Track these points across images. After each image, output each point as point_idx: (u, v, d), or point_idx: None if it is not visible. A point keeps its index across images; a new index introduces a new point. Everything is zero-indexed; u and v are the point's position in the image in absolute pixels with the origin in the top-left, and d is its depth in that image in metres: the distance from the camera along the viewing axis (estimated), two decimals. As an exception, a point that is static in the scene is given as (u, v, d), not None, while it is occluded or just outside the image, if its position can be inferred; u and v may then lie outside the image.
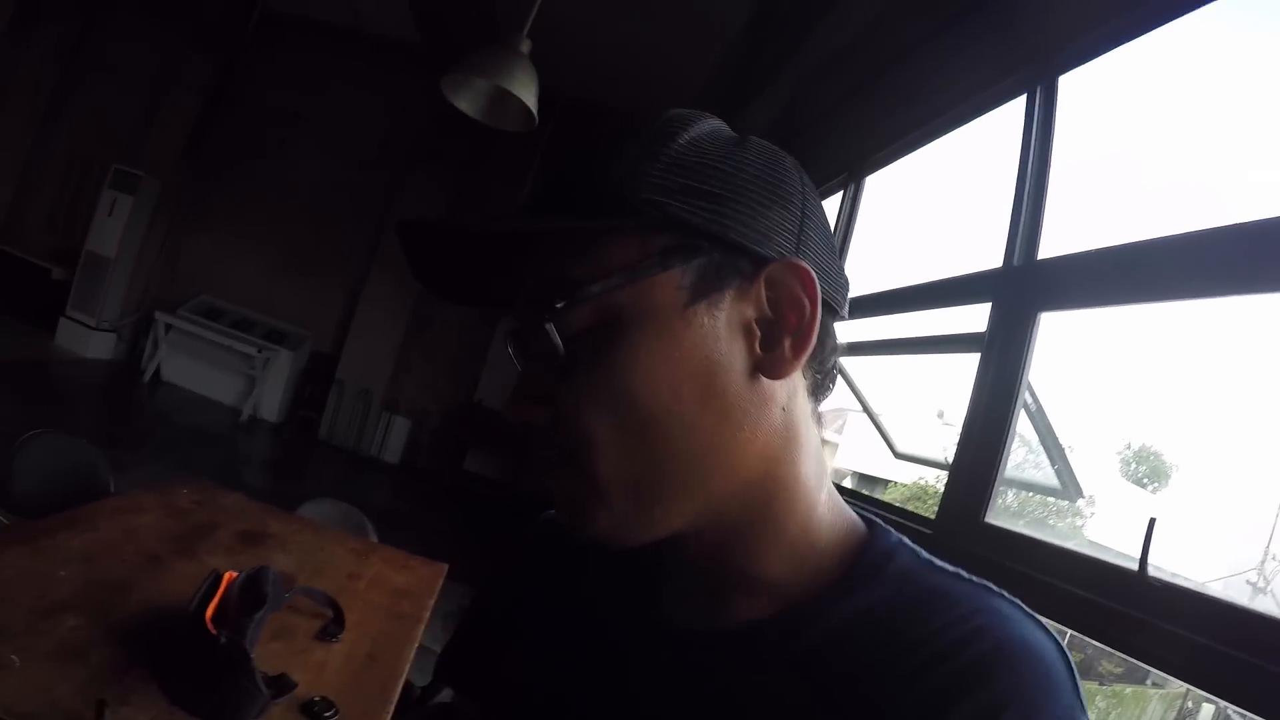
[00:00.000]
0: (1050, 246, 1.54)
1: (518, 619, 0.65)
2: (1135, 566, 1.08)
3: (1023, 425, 1.70)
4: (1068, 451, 1.83)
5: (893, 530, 0.50)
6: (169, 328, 8.12)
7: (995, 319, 1.61)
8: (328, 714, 1.39)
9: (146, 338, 8.27)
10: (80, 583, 1.63)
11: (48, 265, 8.47)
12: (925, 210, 2.86)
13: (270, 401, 8.19)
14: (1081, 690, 0.40)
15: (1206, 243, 1.10)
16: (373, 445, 8.29)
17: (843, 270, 0.51)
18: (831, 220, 1.82)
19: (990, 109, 1.97)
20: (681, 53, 5.90)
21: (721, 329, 0.44)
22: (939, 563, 0.47)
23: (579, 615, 0.60)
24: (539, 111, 3.10)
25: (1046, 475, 1.84)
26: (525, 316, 0.49)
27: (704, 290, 0.43)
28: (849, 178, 2.79)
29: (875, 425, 2.83)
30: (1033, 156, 1.65)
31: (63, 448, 2.44)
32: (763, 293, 0.45)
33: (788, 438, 0.47)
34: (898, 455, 2.65)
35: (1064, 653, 0.40)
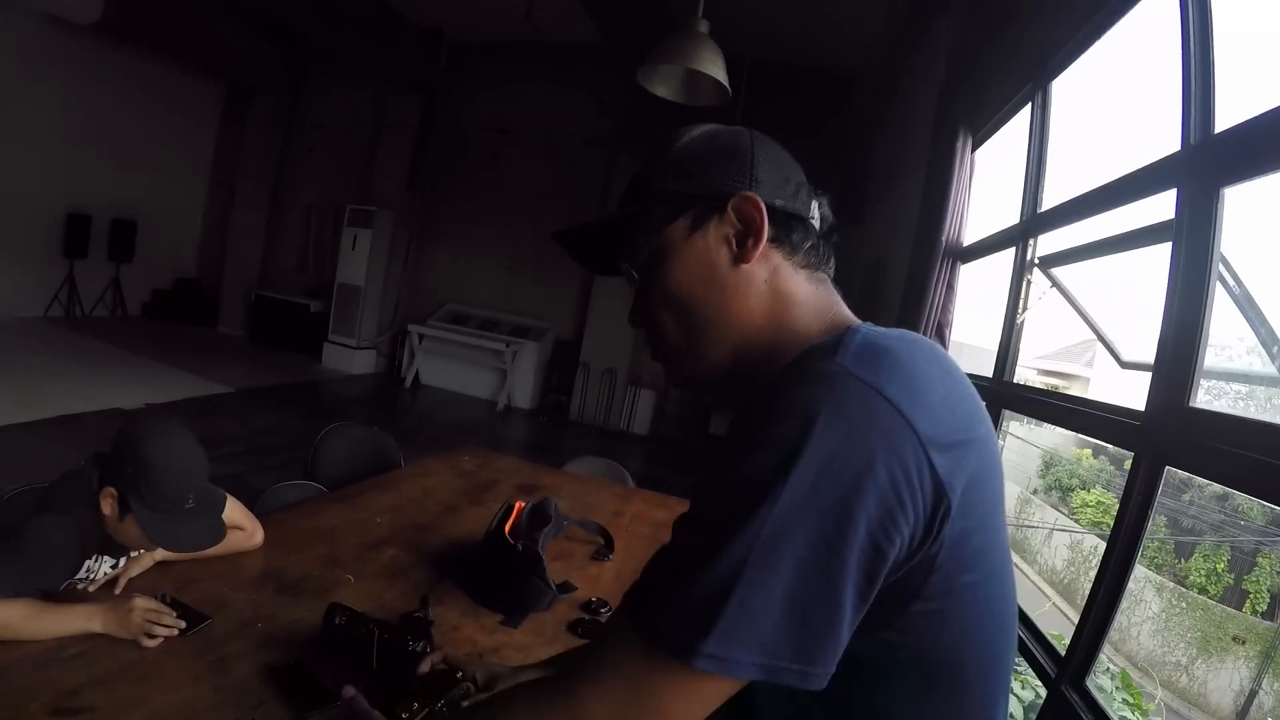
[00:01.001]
0: (1229, 116, 1.50)
1: None
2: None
3: (1233, 313, 1.67)
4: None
5: (859, 324, 0.71)
6: (421, 337, 9.13)
7: (1181, 203, 1.59)
8: (603, 609, 1.73)
9: (403, 349, 9.31)
10: (393, 526, 2.07)
11: (306, 301, 9.92)
12: (1111, 105, 2.73)
13: (522, 390, 8.97)
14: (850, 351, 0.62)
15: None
16: (621, 419, 8.88)
17: (801, 188, 0.81)
18: (1023, 133, 1.88)
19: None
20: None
21: (711, 243, 0.77)
22: (879, 329, 0.69)
23: None
24: (729, 80, 3.31)
25: (1266, 366, 1.76)
26: (623, 270, 0.84)
27: (697, 225, 0.78)
28: (1034, 87, 2.72)
29: (1099, 336, 2.76)
30: (1193, 23, 1.60)
31: (357, 435, 2.85)
32: (732, 216, 0.77)
33: (775, 299, 0.78)
34: (1124, 364, 2.57)
35: (928, 360, 0.65)
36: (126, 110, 10.01)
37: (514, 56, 8.96)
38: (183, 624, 1.34)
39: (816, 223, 0.82)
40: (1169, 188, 1.66)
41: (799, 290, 0.79)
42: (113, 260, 10.17)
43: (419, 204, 9.75)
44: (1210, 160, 1.50)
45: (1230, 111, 1.48)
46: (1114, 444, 1.80)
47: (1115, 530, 1.59)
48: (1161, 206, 1.71)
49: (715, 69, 3.23)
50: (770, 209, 0.76)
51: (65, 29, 8.28)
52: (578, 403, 9.06)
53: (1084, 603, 1.66)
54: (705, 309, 0.77)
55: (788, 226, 0.78)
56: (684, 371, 0.82)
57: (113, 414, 5.59)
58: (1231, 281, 1.58)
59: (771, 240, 0.77)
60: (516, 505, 1.95)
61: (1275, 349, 1.69)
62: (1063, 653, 1.75)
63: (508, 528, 1.84)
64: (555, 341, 9.36)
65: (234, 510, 1.65)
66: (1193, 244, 1.53)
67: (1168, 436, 1.50)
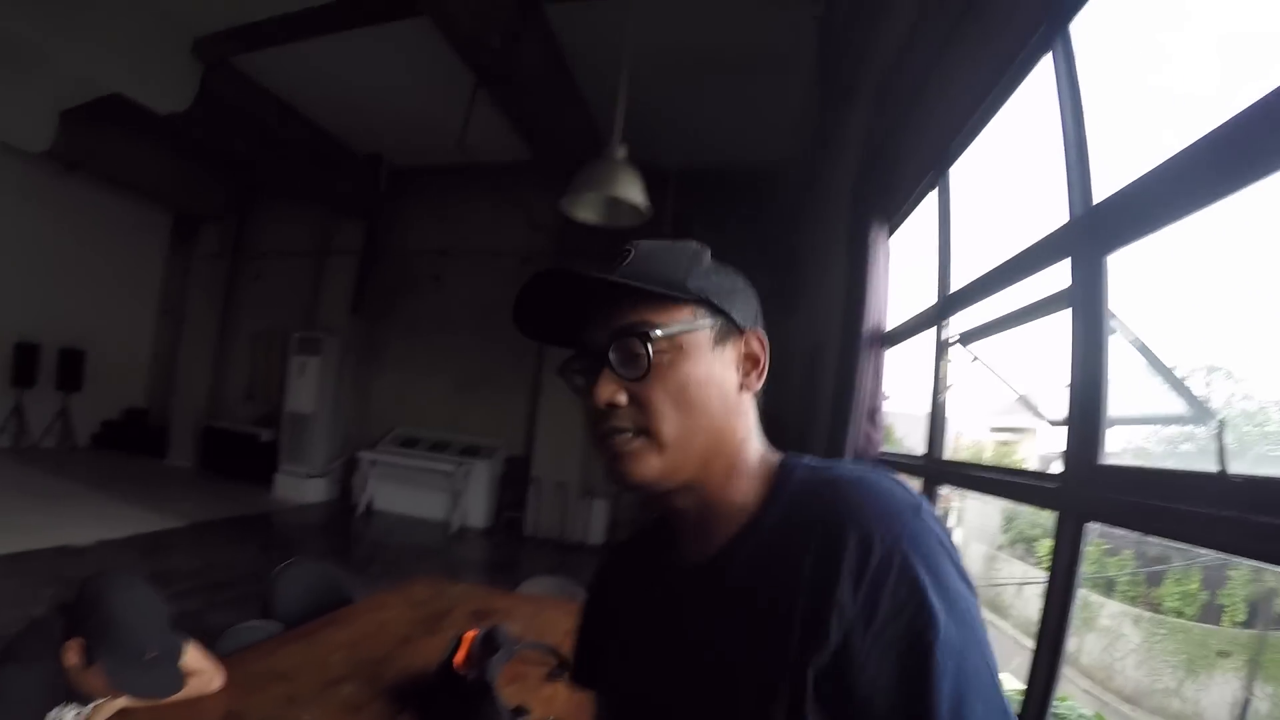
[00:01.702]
0: (1105, 188, 1.60)
1: (610, 619, 0.98)
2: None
3: (1141, 367, 1.75)
4: (1187, 379, 1.83)
5: (795, 456, 0.85)
6: (373, 463, 8.99)
7: (1075, 271, 1.69)
8: None
9: (354, 475, 9.16)
10: (350, 661, 2.04)
11: (255, 430, 9.86)
12: (1005, 184, 2.90)
13: (475, 510, 8.86)
14: (925, 504, 0.72)
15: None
16: (576, 531, 8.75)
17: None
18: (931, 219, 1.98)
19: (1028, 71, 2.06)
20: (766, 97, 6.16)
21: (726, 361, 0.83)
22: (820, 463, 0.82)
23: (639, 596, 0.93)
24: (653, 196, 3.47)
25: (1173, 406, 1.85)
26: (624, 342, 0.79)
27: (720, 340, 0.82)
28: (936, 173, 2.88)
29: (1025, 402, 2.85)
30: (1066, 107, 1.74)
31: (310, 570, 2.85)
32: (742, 346, 0.84)
33: (749, 427, 0.85)
34: (1053, 424, 2.65)
35: (899, 483, 0.75)
36: (75, 238, 10.21)
37: (450, 179, 9.25)
38: None
39: None
40: (1063, 258, 1.76)
41: (755, 423, 0.87)
42: (61, 390, 10.18)
43: (365, 329, 9.79)
44: (1092, 231, 1.60)
45: (1108, 182, 1.60)
46: (1038, 506, 1.85)
47: (1049, 590, 1.62)
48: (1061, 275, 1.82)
49: (633, 192, 3.40)
50: None
51: (14, 156, 8.43)
52: (532, 518, 8.97)
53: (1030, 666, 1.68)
54: (711, 418, 0.80)
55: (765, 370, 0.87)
56: (659, 465, 0.79)
57: (63, 551, 5.47)
58: (1131, 337, 1.67)
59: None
60: (466, 635, 1.97)
61: (1180, 392, 1.77)
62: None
63: (459, 659, 1.85)
64: (506, 459, 9.32)
65: (195, 655, 1.68)
66: (1086, 311, 1.62)
67: (1082, 495, 1.55)
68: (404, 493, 9.05)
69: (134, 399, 11.64)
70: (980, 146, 2.57)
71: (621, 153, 3.48)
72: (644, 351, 0.78)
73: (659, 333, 0.78)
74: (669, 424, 0.78)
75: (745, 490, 0.82)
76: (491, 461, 9.08)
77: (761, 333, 0.86)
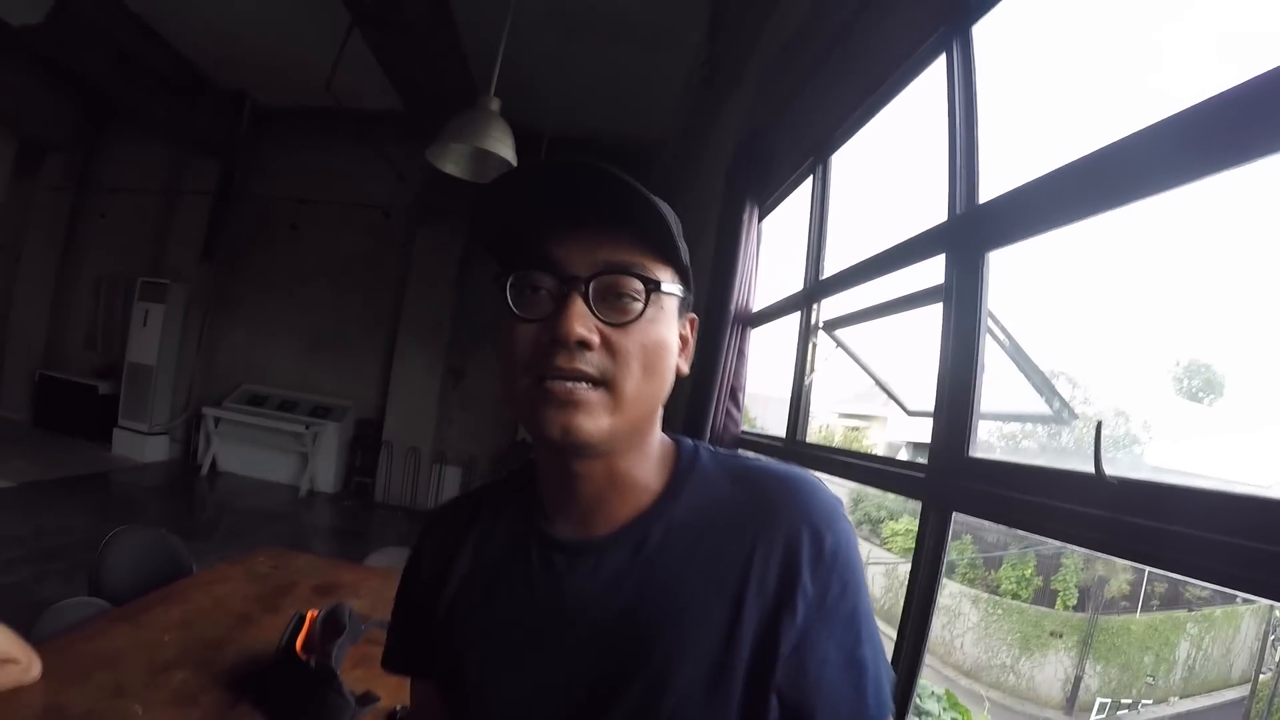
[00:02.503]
0: (992, 189, 1.65)
1: (448, 597, 0.85)
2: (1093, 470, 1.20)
3: (1004, 363, 1.83)
4: (1054, 379, 1.93)
5: (687, 439, 0.84)
6: (218, 421, 8.54)
7: (949, 268, 1.74)
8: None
9: (198, 434, 8.63)
10: (183, 644, 1.88)
11: (94, 382, 9.04)
12: (885, 177, 2.99)
13: (325, 474, 8.50)
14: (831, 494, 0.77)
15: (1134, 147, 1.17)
16: (428, 498, 8.52)
17: None
18: (805, 203, 1.98)
19: (921, 70, 2.10)
20: (648, 71, 6.10)
21: (675, 334, 0.77)
22: (722, 451, 0.84)
23: (491, 568, 0.84)
24: (525, 159, 3.32)
25: (1036, 405, 1.95)
26: (623, 280, 0.71)
27: (681, 312, 0.79)
28: (815, 161, 2.93)
29: (885, 390, 2.95)
30: (959, 108, 1.78)
31: (143, 540, 2.62)
32: (686, 324, 0.82)
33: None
34: (910, 413, 2.76)
35: (806, 473, 0.79)
36: None
37: (316, 123, 8.66)
38: None
39: None
40: (938, 253, 1.81)
41: None
42: None
43: (215, 277, 9.13)
44: (975, 228, 1.65)
45: (992, 181, 1.65)
46: (905, 495, 1.91)
47: (913, 576, 1.67)
48: (932, 271, 1.87)
49: (504, 148, 3.28)
50: None
51: None
52: (383, 483, 8.68)
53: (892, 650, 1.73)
54: (661, 388, 0.75)
55: None
56: (610, 426, 0.70)
57: None
58: (1002, 335, 1.74)
59: None
60: (309, 614, 1.82)
61: (1045, 394, 1.86)
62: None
63: (299, 642, 1.71)
64: (356, 421, 8.97)
65: (6, 641, 1.49)
66: (961, 304, 1.66)
67: (950, 486, 1.61)
68: (251, 454, 8.56)
69: None
70: (865, 139, 2.62)
71: (495, 105, 3.35)
72: (641, 298, 0.71)
73: (665, 287, 0.73)
74: (632, 381, 0.71)
75: (649, 469, 0.79)
76: (342, 424, 8.69)
77: (694, 316, 0.84)
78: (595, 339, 0.69)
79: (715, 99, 4.61)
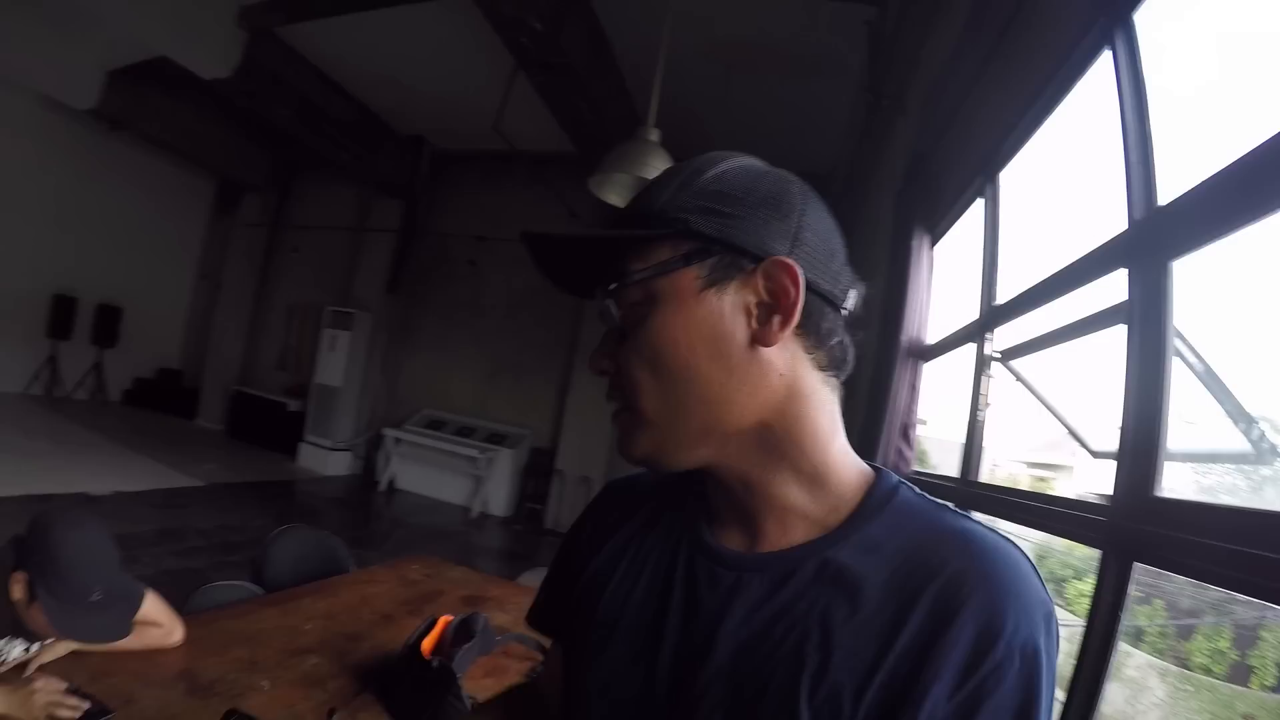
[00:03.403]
0: (1173, 189, 1.45)
1: (595, 566, 0.79)
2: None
3: (1198, 392, 1.59)
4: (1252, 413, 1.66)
5: (893, 473, 0.67)
6: (397, 441, 9.01)
7: (1131, 283, 1.54)
8: None
9: (378, 452, 9.15)
10: (322, 633, 1.96)
11: (283, 400, 10.02)
12: (1058, 190, 2.74)
13: (497, 497, 8.80)
14: (1054, 610, 0.56)
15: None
16: (597, 528, 8.61)
17: (844, 270, 0.68)
18: (978, 224, 1.84)
19: (1085, 69, 1.91)
20: (811, 102, 6.02)
21: (726, 308, 0.62)
22: (929, 497, 0.65)
23: (643, 554, 0.75)
24: None
25: (1236, 442, 1.67)
26: (599, 300, 0.67)
27: (714, 280, 0.62)
28: (984, 179, 2.73)
29: (1066, 427, 2.67)
30: (1128, 103, 1.58)
31: (307, 538, 2.78)
32: (760, 283, 0.62)
33: (791, 396, 0.64)
34: (1095, 454, 2.48)
35: (1036, 570, 0.57)
36: (118, 196, 10.51)
37: (491, 165, 9.27)
38: (82, 710, 1.32)
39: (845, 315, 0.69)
40: (1117, 268, 1.61)
41: (817, 395, 0.66)
42: (96, 345, 10.49)
43: (398, 308, 9.81)
44: (1156, 234, 1.45)
45: (1173, 181, 1.44)
46: (1081, 542, 1.69)
47: (1086, 637, 1.46)
48: (1117, 288, 1.66)
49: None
50: (808, 286, 0.62)
51: (62, 112, 8.73)
52: (553, 510, 8.87)
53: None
54: (702, 385, 0.62)
55: (819, 313, 0.65)
56: (648, 444, 0.66)
57: (80, 498, 5.57)
58: (1192, 358, 1.51)
59: (798, 326, 0.63)
60: (442, 620, 1.87)
61: (1243, 424, 1.60)
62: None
63: (428, 643, 1.74)
64: (531, 449, 9.24)
65: (153, 606, 1.62)
66: (1146, 324, 1.46)
67: (1133, 531, 1.39)
68: (427, 474, 9.04)
69: (168, 359, 11.89)
70: (1032, 152, 2.41)
71: (654, 135, 3.37)
72: (611, 310, 0.65)
73: (615, 285, 0.65)
74: (647, 396, 0.64)
75: (804, 491, 0.65)
76: (516, 451, 9.00)
77: (792, 260, 0.61)
78: (609, 364, 0.68)
79: (881, 125, 4.45)
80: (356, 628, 2.07)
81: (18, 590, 1.36)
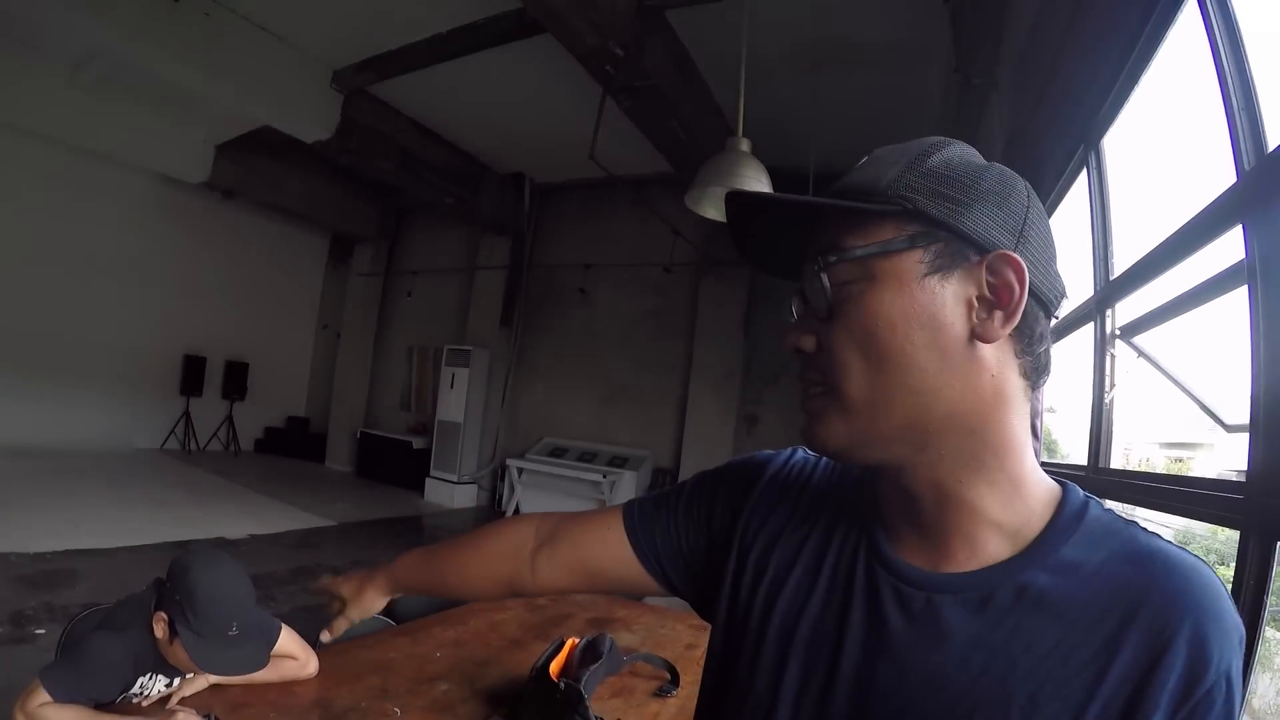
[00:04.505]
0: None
1: (762, 554, 0.75)
2: None
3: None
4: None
5: (1077, 487, 0.64)
6: (521, 471, 9.17)
7: (1249, 238, 1.42)
8: None
9: (503, 483, 9.38)
10: (452, 660, 2.00)
11: (408, 439, 10.39)
12: (1168, 150, 2.55)
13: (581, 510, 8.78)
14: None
15: None
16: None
17: (1059, 275, 0.64)
18: (1083, 197, 1.77)
19: (1175, 15, 1.79)
20: (901, 91, 5.86)
21: (948, 297, 0.59)
22: (1118, 515, 0.62)
23: (818, 556, 0.71)
24: (794, 193, 3.31)
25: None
26: (808, 273, 0.64)
27: (938, 267, 0.59)
28: (1086, 148, 2.59)
29: (1198, 402, 2.49)
30: (1223, 47, 1.47)
31: None
32: (984, 276, 0.59)
33: (997, 399, 0.60)
34: (1229, 429, 2.30)
35: (1217, 575, 0.55)
36: (237, 259, 11.23)
37: (594, 193, 9.44)
38: None
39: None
40: (1233, 225, 1.49)
41: (1019, 402, 0.62)
42: (226, 399, 11.18)
43: (512, 341, 10.07)
44: (1269, 182, 1.33)
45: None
46: (1219, 524, 1.56)
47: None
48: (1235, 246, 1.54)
49: (758, 185, 3.27)
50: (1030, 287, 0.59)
51: (179, 186, 9.54)
52: (679, 528, 8.80)
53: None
54: (914, 374, 0.59)
55: (1034, 316, 0.62)
56: (845, 431, 0.62)
57: (218, 542, 5.89)
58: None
59: (1015, 326, 0.60)
60: (569, 642, 1.89)
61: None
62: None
63: (557, 665, 1.77)
64: (654, 469, 9.26)
65: (288, 640, 1.69)
66: (1268, 280, 1.35)
67: (1273, 508, 1.28)
68: (552, 501, 9.09)
69: (295, 408, 12.56)
70: (1134, 115, 2.27)
71: (744, 145, 3.36)
72: (822, 284, 0.61)
73: (834, 256, 0.61)
74: (854, 379, 0.60)
75: (1002, 503, 0.61)
76: (639, 473, 8.99)
77: (1019, 256, 0.58)
78: (809, 343, 0.64)
79: (974, 106, 4.29)
80: (485, 654, 2.11)
81: (160, 629, 1.44)
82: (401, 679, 1.82)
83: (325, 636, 1.19)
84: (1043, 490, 0.63)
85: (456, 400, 9.57)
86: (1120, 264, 2.46)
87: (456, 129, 8.39)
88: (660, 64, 5.41)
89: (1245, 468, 1.43)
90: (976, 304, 0.59)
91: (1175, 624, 0.52)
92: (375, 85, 7.21)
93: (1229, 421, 2.18)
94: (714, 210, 3.68)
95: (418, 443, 10.27)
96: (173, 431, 10.56)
